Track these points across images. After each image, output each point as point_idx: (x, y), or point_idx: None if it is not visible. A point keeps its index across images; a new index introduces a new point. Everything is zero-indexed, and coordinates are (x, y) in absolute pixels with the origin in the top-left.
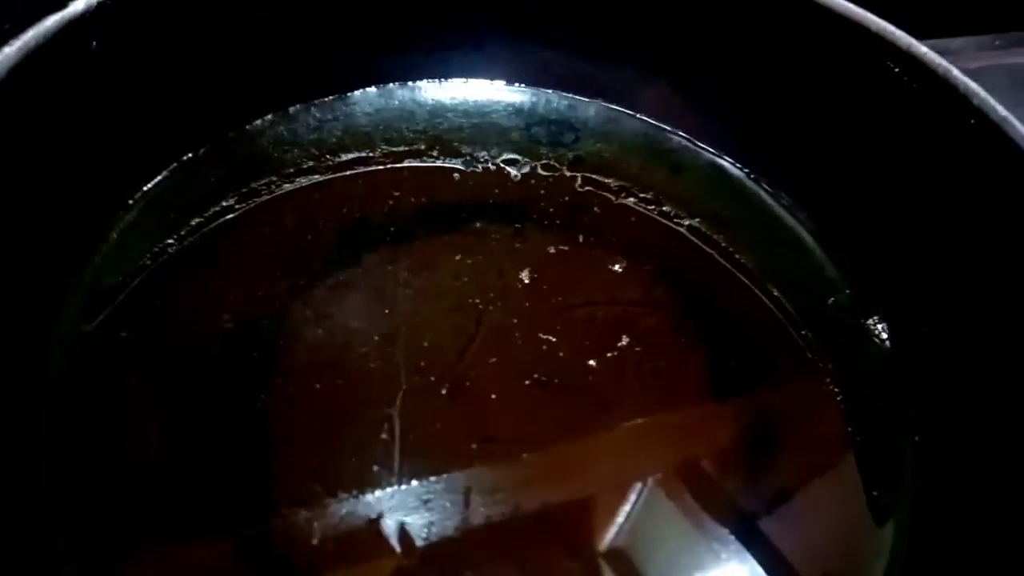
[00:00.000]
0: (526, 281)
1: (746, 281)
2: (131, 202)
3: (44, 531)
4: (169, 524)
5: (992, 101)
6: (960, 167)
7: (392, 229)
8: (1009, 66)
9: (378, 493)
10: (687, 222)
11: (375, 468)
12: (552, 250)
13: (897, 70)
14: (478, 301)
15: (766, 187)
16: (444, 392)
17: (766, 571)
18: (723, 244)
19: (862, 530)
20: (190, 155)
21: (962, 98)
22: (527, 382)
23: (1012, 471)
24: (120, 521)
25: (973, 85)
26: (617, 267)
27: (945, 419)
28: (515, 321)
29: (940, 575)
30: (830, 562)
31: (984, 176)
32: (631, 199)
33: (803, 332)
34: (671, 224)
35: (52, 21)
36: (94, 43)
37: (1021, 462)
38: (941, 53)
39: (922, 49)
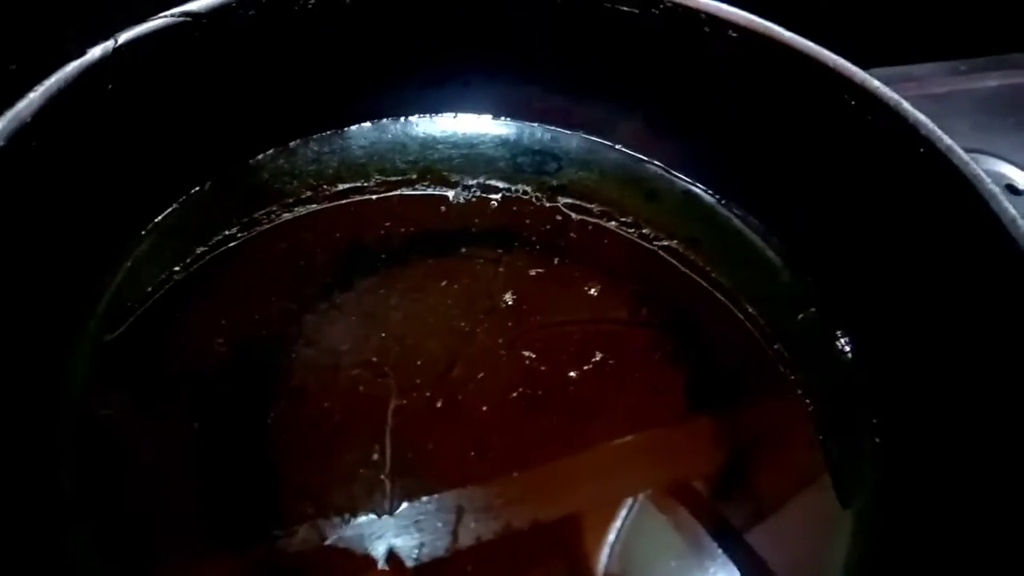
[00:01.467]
0: (511, 303)
1: (721, 299)
2: (144, 232)
3: (65, 543)
4: (171, 547)
5: (939, 131)
6: (911, 191)
7: (384, 255)
8: (973, 91)
9: (371, 515)
10: (665, 243)
11: (368, 487)
12: (536, 273)
13: (853, 103)
14: (463, 324)
15: (736, 212)
16: (438, 405)
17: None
18: (699, 264)
19: (832, 526)
20: (197, 188)
21: (911, 128)
22: (513, 395)
23: (961, 466)
24: (131, 534)
25: (921, 116)
26: (598, 288)
27: (901, 422)
28: (500, 340)
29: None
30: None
31: (932, 200)
32: (612, 223)
33: (775, 346)
34: (650, 246)
35: (72, 67)
36: (110, 86)
37: (969, 458)
38: (907, 79)
39: (874, 83)
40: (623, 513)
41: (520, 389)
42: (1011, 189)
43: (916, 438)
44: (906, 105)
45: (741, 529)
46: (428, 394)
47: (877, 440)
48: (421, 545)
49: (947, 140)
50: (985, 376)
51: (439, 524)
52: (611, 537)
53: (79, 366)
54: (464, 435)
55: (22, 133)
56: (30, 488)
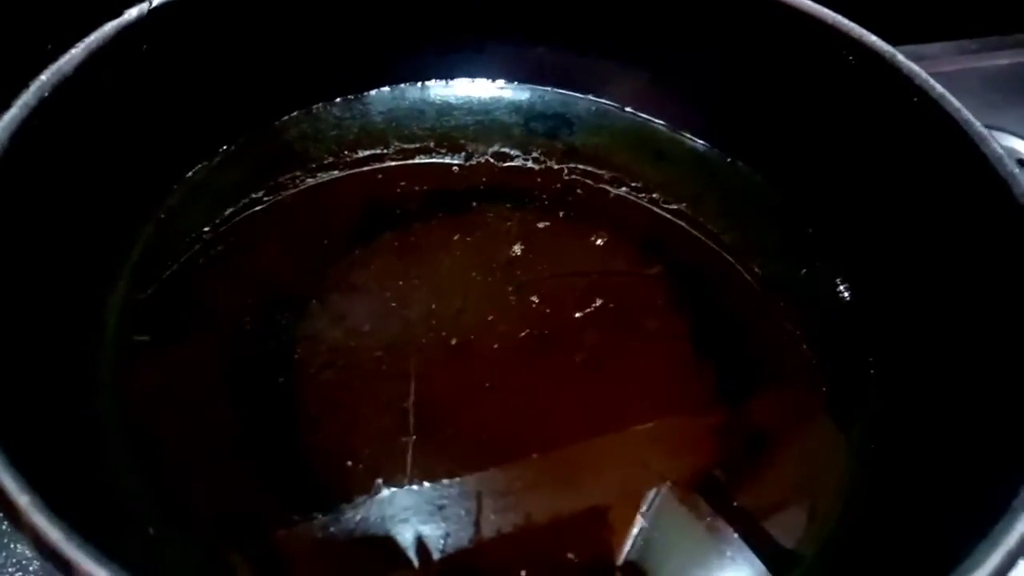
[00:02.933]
0: (519, 253)
1: (729, 258)
2: (175, 187)
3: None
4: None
5: (931, 80)
6: (907, 140)
7: (402, 216)
8: (983, 69)
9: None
10: (673, 207)
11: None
12: (545, 228)
13: (851, 58)
14: (476, 274)
15: (741, 169)
16: (453, 343)
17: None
18: (708, 226)
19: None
20: (226, 147)
21: (906, 79)
22: (522, 334)
23: (948, 399)
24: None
25: (915, 67)
26: (606, 243)
27: (897, 360)
28: (510, 288)
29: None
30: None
31: (926, 148)
32: (623, 188)
33: (780, 303)
34: (658, 209)
35: (110, 26)
36: (144, 46)
37: (955, 391)
38: (916, 58)
39: (871, 38)
40: (647, 495)
41: (528, 330)
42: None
43: (910, 373)
44: (900, 57)
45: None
46: (444, 334)
47: (873, 371)
48: (445, 532)
49: (939, 88)
50: (978, 320)
51: (461, 507)
52: (635, 519)
53: (112, 320)
54: (478, 373)
55: (65, 85)
56: (70, 421)
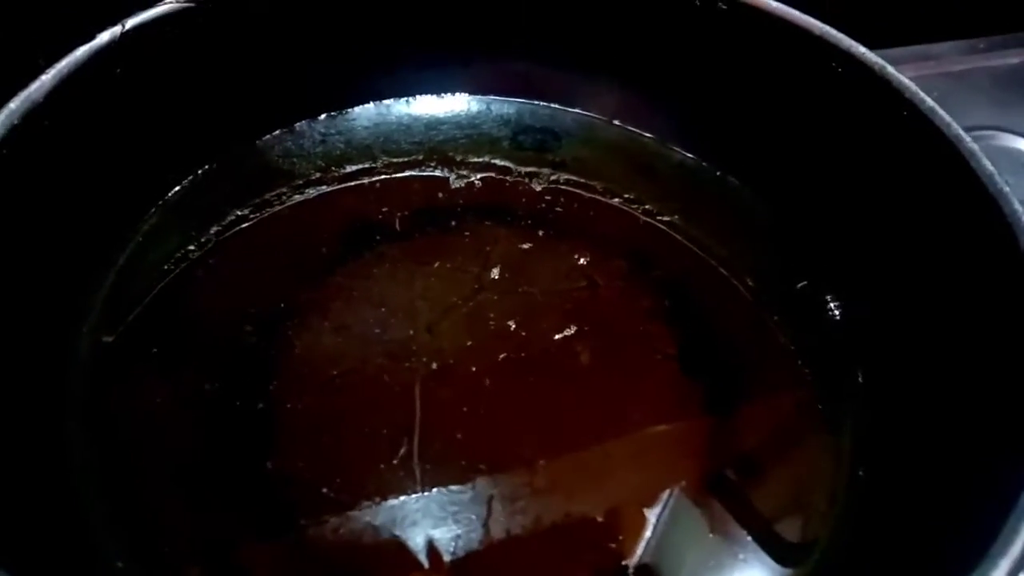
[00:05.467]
0: (506, 275)
1: (722, 271)
2: (152, 210)
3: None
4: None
5: (921, 93)
6: (896, 154)
7: (392, 234)
8: (992, 68)
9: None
10: (666, 219)
11: (382, 467)
12: (528, 247)
13: (840, 70)
14: (457, 299)
15: (731, 183)
16: (450, 361)
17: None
18: (697, 236)
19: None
20: (205, 168)
21: (895, 92)
22: (518, 347)
23: (940, 412)
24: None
25: (904, 80)
26: (597, 255)
27: (887, 373)
28: (504, 302)
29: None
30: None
31: (916, 162)
32: (615, 200)
33: (773, 317)
34: (652, 221)
35: (82, 51)
36: (118, 69)
37: (946, 403)
38: (925, 58)
39: (860, 49)
40: (657, 499)
41: (524, 343)
42: None
43: (903, 395)
44: (890, 69)
45: (739, 485)
46: (424, 358)
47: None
48: (456, 536)
49: (929, 102)
50: (970, 334)
51: (472, 512)
52: (649, 521)
53: (84, 345)
54: (471, 390)
55: (34, 113)
56: (39, 443)
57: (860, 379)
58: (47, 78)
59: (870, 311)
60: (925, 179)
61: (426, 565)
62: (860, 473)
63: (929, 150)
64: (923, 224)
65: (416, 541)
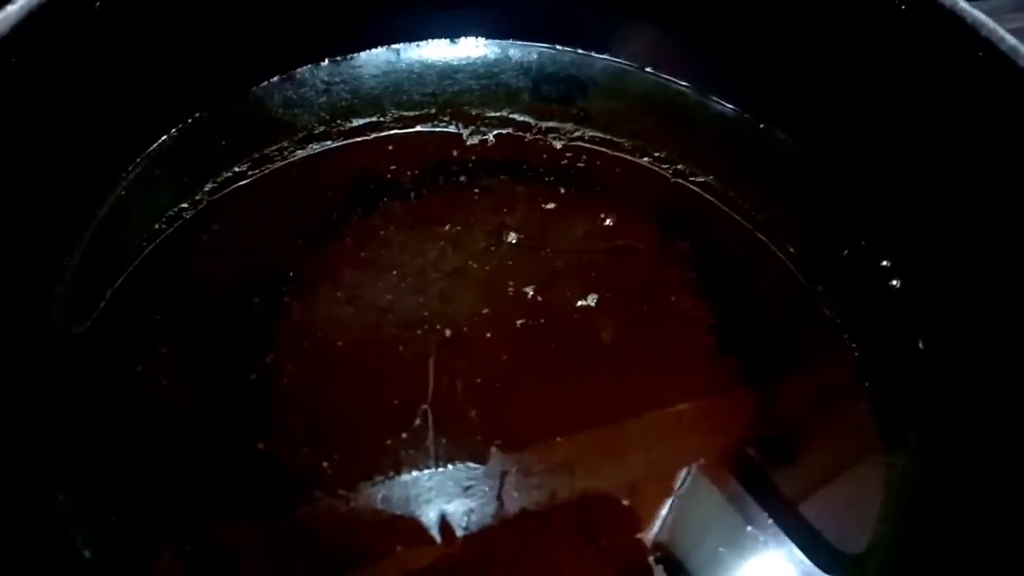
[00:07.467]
0: (527, 238)
1: (761, 237)
2: (137, 160)
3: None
4: (197, 506)
5: (1001, 31)
6: (969, 104)
7: (401, 193)
8: None
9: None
10: (700, 179)
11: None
12: (553, 208)
13: (904, 6)
14: (472, 261)
15: (777, 136)
16: (447, 335)
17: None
18: (738, 201)
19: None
20: (195, 116)
21: (970, 29)
22: (541, 315)
23: (1003, 387)
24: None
25: (980, 16)
26: (626, 219)
27: (952, 351)
28: (525, 268)
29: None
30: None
31: (992, 112)
32: (645, 158)
33: (818, 287)
34: (685, 182)
35: None
36: (97, 3)
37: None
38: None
39: None
40: (676, 477)
41: (547, 311)
42: None
43: (962, 362)
44: (963, 3)
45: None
46: (438, 326)
47: (926, 381)
48: (469, 509)
49: (1010, 40)
50: None
51: (486, 485)
52: (665, 501)
53: (64, 310)
54: (490, 361)
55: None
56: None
57: (923, 360)
58: (13, 9)
59: (933, 280)
60: (1000, 130)
61: (438, 540)
62: (916, 478)
63: (1007, 96)
64: (995, 183)
65: (429, 517)
